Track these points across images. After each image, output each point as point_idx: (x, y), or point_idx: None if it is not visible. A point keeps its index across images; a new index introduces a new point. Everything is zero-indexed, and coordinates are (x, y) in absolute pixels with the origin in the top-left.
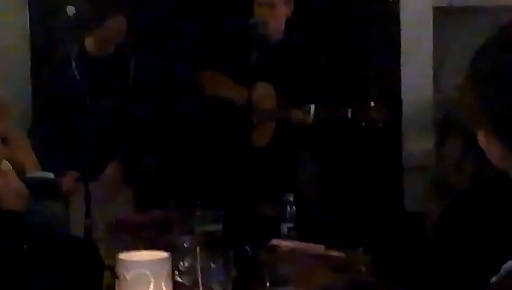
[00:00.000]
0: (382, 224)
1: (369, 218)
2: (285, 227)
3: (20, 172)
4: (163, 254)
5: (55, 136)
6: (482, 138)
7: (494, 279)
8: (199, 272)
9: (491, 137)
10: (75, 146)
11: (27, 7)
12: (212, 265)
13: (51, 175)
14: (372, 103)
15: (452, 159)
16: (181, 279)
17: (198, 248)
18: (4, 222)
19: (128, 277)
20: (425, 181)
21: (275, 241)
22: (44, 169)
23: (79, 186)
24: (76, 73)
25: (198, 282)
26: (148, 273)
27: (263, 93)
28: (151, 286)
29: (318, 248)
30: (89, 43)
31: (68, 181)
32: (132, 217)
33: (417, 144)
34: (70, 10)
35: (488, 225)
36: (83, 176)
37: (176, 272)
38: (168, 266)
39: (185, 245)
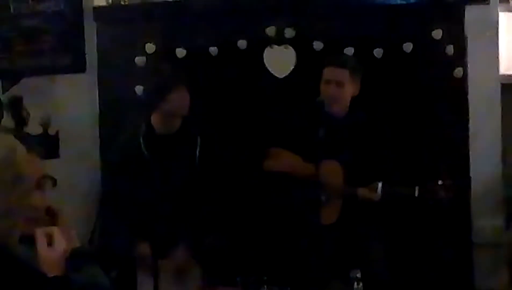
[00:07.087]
0: None
1: None
2: None
3: None
4: None
5: (125, 214)
6: None
7: None
8: None
9: None
10: (144, 223)
11: (97, 87)
12: None
13: None
14: (440, 182)
15: None
16: None
17: None
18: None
19: None
20: (495, 258)
21: None
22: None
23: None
24: (144, 150)
25: None
26: None
27: (330, 170)
28: None
29: None
30: (155, 120)
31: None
32: None
33: (487, 221)
34: (139, 89)
35: None
36: (152, 253)
37: None
38: None
39: None
